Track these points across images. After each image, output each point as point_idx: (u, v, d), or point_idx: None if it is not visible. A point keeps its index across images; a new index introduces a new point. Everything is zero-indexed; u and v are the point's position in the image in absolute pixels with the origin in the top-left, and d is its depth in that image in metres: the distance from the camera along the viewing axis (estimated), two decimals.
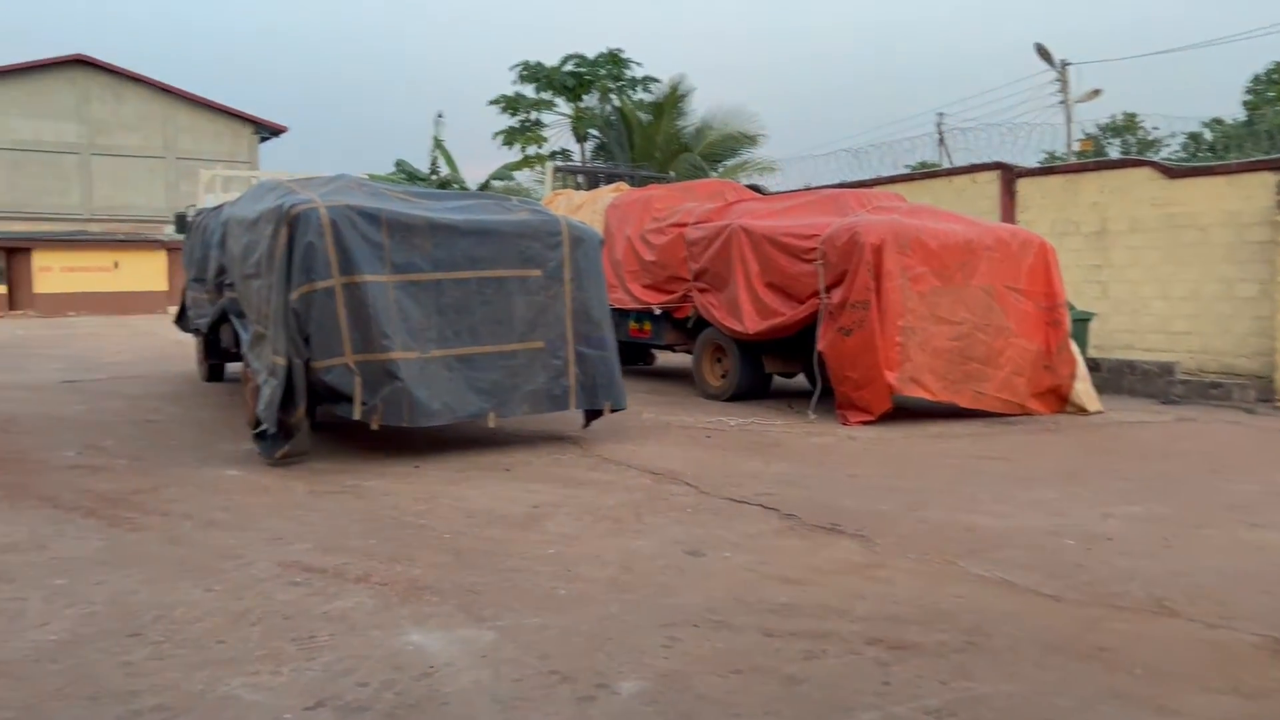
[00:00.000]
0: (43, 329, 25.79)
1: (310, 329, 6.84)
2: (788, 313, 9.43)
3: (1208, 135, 28.50)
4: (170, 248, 38.74)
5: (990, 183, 14.36)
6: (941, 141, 33.05)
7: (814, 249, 9.13)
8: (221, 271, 8.89)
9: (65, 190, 38.93)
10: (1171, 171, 12.36)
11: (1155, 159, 12.84)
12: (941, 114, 38.34)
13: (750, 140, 21.38)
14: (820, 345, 9.00)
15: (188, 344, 19.92)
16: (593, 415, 7.97)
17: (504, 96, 23.27)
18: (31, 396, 10.98)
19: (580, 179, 18.55)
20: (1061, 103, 25.10)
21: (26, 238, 35.96)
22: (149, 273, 38.10)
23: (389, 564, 4.62)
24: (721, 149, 21.38)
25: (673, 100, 21.65)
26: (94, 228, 38.65)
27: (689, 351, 11.61)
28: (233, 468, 6.95)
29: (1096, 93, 24.67)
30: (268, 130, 44.21)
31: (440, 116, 26.09)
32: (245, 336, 8.08)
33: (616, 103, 22.30)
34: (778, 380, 10.92)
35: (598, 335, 7.75)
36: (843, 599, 4.12)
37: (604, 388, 7.75)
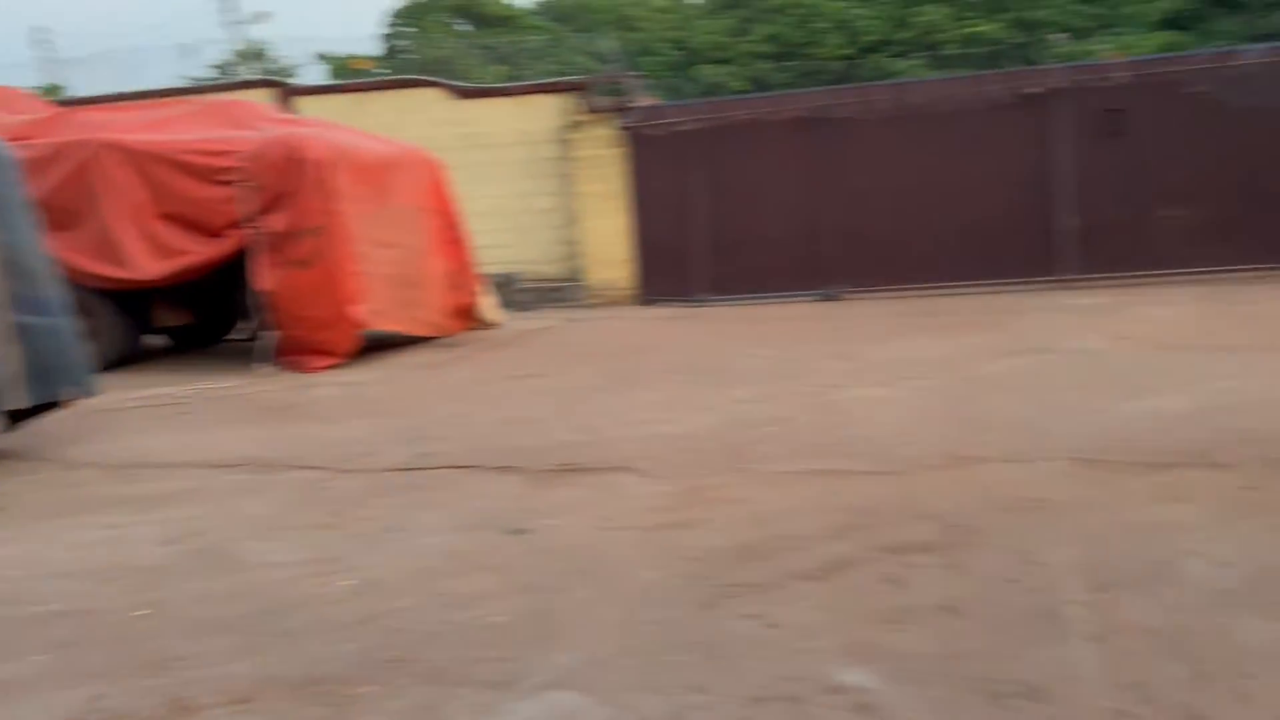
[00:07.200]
0: None
1: None
2: (200, 250, 7.64)
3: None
4: None
5: (263, 100, 13.29)
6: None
7: (231, 168, 7.50)
8: None
9: None
10: (464, 92, 12.92)
11: (443, 81, 13.22)
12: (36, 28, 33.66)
13: None
14: (264, 283, 7.51)
15: None
16: (31, 412, 5.52)
17: None
18: None
19: None
20: (234, 24, 24.08)
21: None
22: None
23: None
24: None
25: None
26: None
27: None
28: None
29: (264, 15, 24.25)
30: None
31: None
32: None
33: None
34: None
35: (42, 295, 5.38)
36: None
37: (60, 370, 5.45)
